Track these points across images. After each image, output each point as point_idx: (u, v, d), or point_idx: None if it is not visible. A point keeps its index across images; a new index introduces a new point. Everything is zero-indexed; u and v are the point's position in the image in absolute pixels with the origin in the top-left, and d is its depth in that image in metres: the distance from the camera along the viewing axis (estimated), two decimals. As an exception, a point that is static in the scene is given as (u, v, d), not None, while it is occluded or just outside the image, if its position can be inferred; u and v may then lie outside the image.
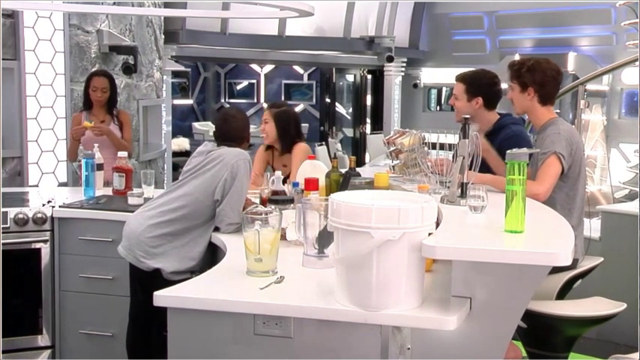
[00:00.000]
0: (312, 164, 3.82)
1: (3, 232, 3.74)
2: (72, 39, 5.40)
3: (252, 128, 4.26)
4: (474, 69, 4.01)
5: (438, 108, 13.72)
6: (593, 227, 4.32)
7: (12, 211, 3.81)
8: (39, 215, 3.83)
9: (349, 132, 14.20)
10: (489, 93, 3.80)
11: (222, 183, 3.21)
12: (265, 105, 18.72)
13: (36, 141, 5.15)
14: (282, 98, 16.65)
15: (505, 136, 3.68)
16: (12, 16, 4.95)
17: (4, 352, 3.79)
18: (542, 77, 3.38)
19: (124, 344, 3.51)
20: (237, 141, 3.42)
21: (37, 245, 3.83)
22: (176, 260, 3.19)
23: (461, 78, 3.87)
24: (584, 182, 3.42)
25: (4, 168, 4.97)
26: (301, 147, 4.28)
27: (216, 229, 3.26)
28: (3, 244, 3.74)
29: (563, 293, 3.32)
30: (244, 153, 3.32)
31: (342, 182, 3.56)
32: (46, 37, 5.17)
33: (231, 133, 3.44)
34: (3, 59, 4.95)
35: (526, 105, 3.44)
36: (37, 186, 5.05)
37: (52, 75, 5.24)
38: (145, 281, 3.18)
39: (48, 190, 4.66)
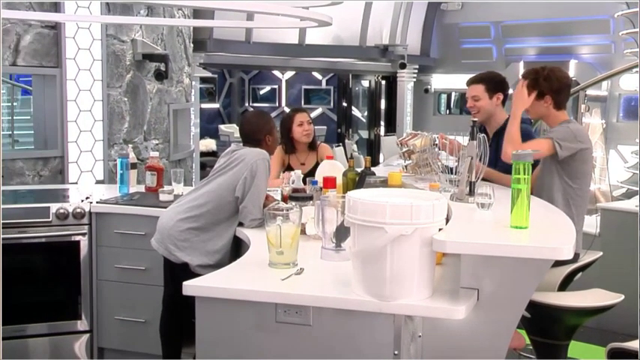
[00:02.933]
0: (331, 164, 3.83)
1: (46, 226, 3.80)
2: (109, 48, 5.42)
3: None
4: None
5: (448, 112, 13.68)
6: (592, 223, 4.27)
7: (54, 207, 3.84)
8: (78, 210, 3.86)
9: (364, 134, 14.18)
10: (505, 90, 3.76)
11: (242, 181, 3.20)
12: (287, 109, 18.74)
13: (75, 142, 5.17)
14: (302, 103, 16.63)
15: None
16: (55, 27, 5.01)
17: (47, 335, 3.84)
18: (559, 85, 3.30)
19: (156, 330, 3.52)
20: (253, 142, 3.38)
21: (77, 238, 3.86)
22: (202, 253, 3.20)
23: (478, 79, 3.77)
24: (588, 182, 3.39)
25: (47, 167, 5.02)
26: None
27: (241, 225, 3.27)
28: (46, 236, 3.80)
29: (564, 285, 3.30)
30: (263, 153, 3.29)
31: (358, 181, 3.55)
32: (86, 47, 5.20)
33: (245, 134, 3.43)
34: (46, 67, 5.00)
35: (542, 111, 3.35)
36: (76, 183, 5.08)
37: (90, 81, 5.27)
38: (176, 272, 3.20)
39: (86, 187, 4.70)
